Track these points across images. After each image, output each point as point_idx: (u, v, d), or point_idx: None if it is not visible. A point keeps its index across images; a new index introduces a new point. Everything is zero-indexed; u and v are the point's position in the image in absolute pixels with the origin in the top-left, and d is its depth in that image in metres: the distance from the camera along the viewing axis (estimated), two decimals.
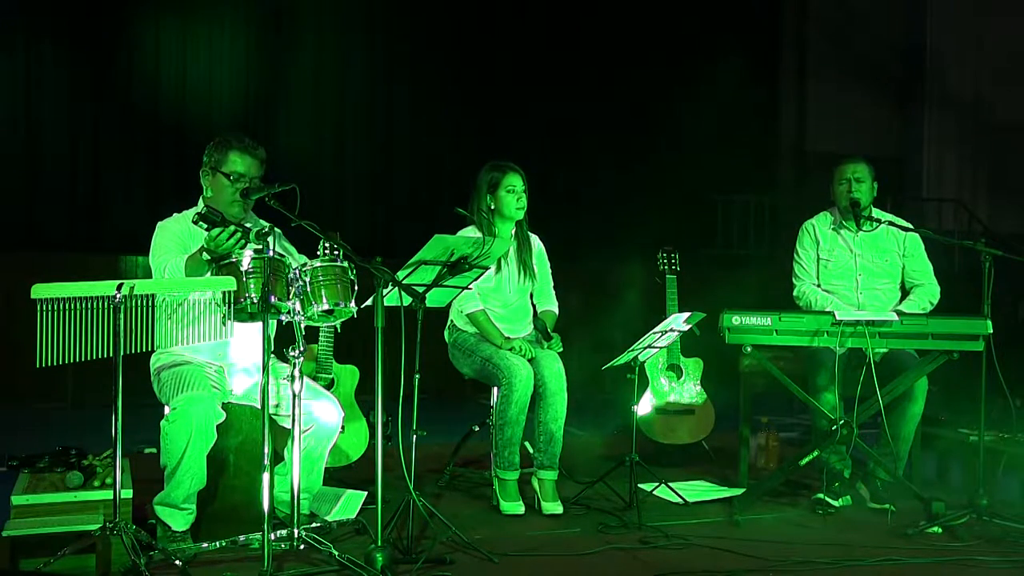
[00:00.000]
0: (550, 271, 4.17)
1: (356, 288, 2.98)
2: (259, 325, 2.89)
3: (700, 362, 4.79)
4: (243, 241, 2.86)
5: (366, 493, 3.52)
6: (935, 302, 4.12)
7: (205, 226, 2.88)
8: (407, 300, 2.97)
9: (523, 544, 3.30)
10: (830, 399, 3.80)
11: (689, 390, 4.73)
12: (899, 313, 3.77)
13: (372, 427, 3.97)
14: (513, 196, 3.89)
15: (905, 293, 4.20)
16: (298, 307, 2.90)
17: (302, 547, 2.95)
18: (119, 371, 2.71)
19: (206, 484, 3.13)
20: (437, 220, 3.67)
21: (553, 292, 4.17)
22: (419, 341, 3.03)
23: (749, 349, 3.68)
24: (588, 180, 9.41)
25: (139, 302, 2.72)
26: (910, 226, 4.08)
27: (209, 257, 2.88)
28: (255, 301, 2.77)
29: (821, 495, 3.85)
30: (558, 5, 9.40)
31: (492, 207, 3.91)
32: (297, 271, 2.91)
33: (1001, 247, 3.76)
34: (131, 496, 2.99)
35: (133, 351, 2.72)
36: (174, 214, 3.35)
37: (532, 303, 4.10)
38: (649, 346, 3.78)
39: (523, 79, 9.17)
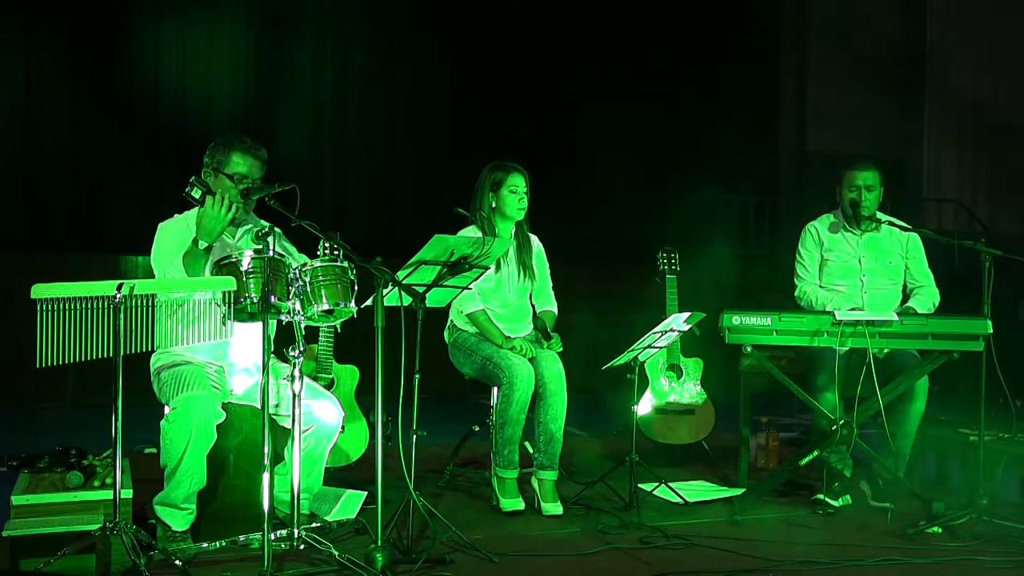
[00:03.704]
0: (549, 271, 4.17)
1: (356, 288, 2.99)
2: (259, 325, 2.89)
3: (700, 362, 4.79)
4: (237, 208, 2.94)
5: (366, 493, 3.52)
6: (936, 305, 4.13)
7: (197, 196, 2.92)
8: (407, 300, 2.97)
9: (523, 544, 3.30)
10: (831, 399, 3.81)
11: (689, 390, 4.73)
12: (899, 313, 3.77)
13: (372, 427, 3.97)
14: (515, 197, 3.89)
15: (906, 295, 4.21)
16: (298, 307, 2.90)
17: (302, 547, 2.96)
18: (119, 371, 2.71)
19: (206, 484, 3.13)
20: (437, 220, 3.67)
21: (552, 292, 4.17)
22: (419, 341, 3.03)
23: (749, 349, 3.68)
24: (588, 180, 9.41)
25: (139, 302, 2.72)
26: (909, 227, 4.09)
27: (205, 243, 2.89)
28: (255, 301, 2.78)
29: (821, 495, 3.85)
30: (558, 5, 9.39)
31: (493, 206, 3.91)
32: (297, 271, 2.91)
33: (1001, 247, 3.76)
34: (131, 496, 2.99)
35: (133, 351, 2.72)
36: (175, 215, 3.35)
37: (531, 303, 4.10)
38: (649, 346, 3.78)
39: (523, 79, 9.16)
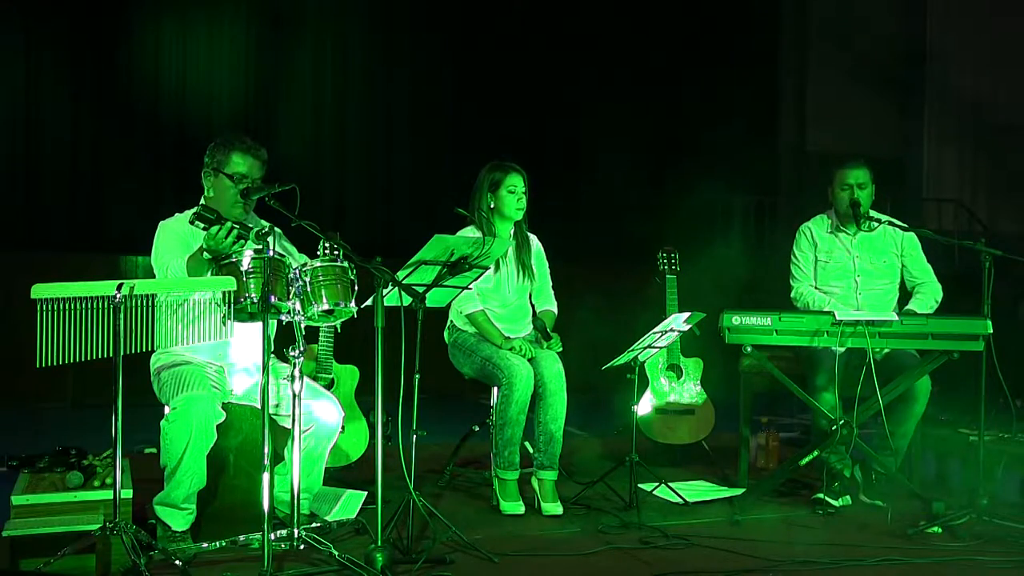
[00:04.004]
0: (548, 271, 4.17)
1: (356, 288, 2.99)
2: (259, 325, 2.89)
3: (700, 362, 4.79)
4: (243, 239, 2.87)
5: (366, 493, 3.52)
6: (939, 299, 4.14)
7: (202, 225, 2.89)
8: (407, 300, 2.97)
9: (523, 544, 3.30)
10: (829, 399, 3.81)
11: (689, 390, 4.73)
12: (899, 313, 3.78)
13: (372, 427, 3.97)
14: (514, 197, 3.89)
15: (905, 293, 4.22)
16: (298, 307, 2.90)
17: (302, 547, 2.96)
18: (119, 371, 2.71)
19: (206, 484, 3.13)
20: (437, 220, 3.68)
21: (552, 292, 4.17)
22: (419, 341, 3.03)
23: (749, 349, 3.68)
24: (588, 180, 9.41)
25: (139, 302, 2.72)
26: (908, 227, 4.09)
27: (210, 256, 2.88)
28: (255, 301, 2.78)
29: (821, 495, 3.85)
30: (558, 5, 9.40)
31: (492, 206, 3.91)
32: (297, 271, 2.91)
33: (1001, 247, 3.76)
34: (131, 496, 2.99)
35: (133, 351, 2.72)
36: (176, 214, 3.35)
37: (531, 303, 4.10)
38: (649, 346, 3.78)
39: (523, 79, 9.17)
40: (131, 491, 2.99)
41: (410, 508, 3.08)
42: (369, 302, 2.92)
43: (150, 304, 2.74)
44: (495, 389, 3.82)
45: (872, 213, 4.09)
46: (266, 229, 2.87)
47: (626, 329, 4.10)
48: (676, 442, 4.71)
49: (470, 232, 3.87)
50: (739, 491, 4.07)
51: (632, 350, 3.77)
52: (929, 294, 4.14)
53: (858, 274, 4.15)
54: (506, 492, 3.75)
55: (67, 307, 2.64)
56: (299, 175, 3.21)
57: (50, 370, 2.67)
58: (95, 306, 2.67)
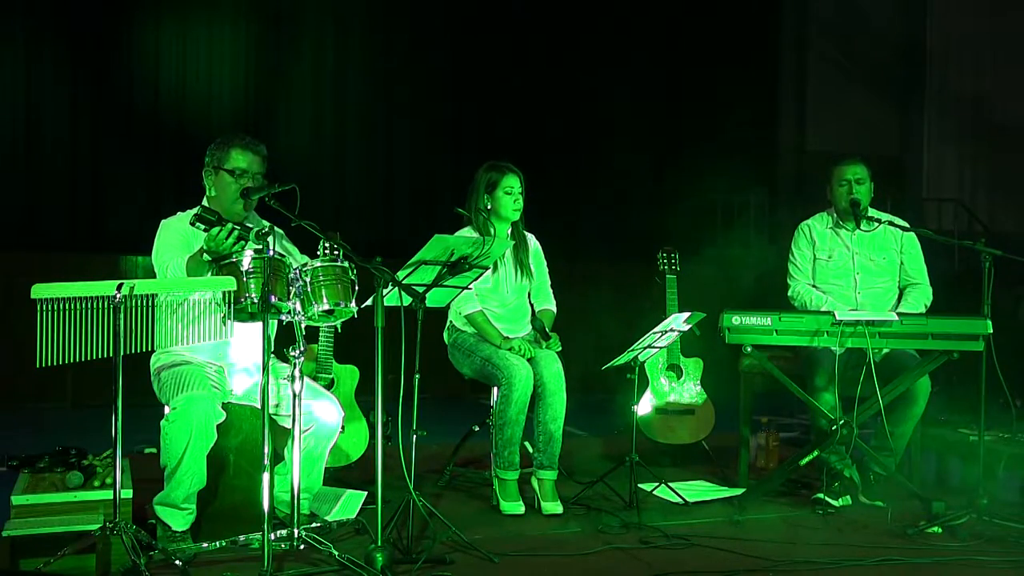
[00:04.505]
0: (547, 269, 4.17)
1: (356, 288, 2.99)
2: (259, 325, 2.89)
3: (700, 362, 4.79)
4: (243, 240, 2.86)
5: (366, 493, 3.52)
6: (928, 305, 4.14)
7: (203, 227, 2.88)
8: (407, 300, 2.97)
9: (523, 544, 3.30)
10: (829, 399, 3.81)
11: (689, 390, 4.73)
12: (899, 313, 3.78)
13: (372, 427, 3.98)
14: (511, 198, 3.89)
15: (901, 292, 4.22)
16: (298, 307, 2.90)
17: (302, 547, 2.96)
18: (119, 371, 2.71)
19: (206, 484, 3.13)
20: (437, 220, 3.68)
21: (551, 291, 4.17)
22: (419, 341, 3.03)
23: (749, 349, 3.68)
24: (588, 180, 9.42)
25: (139, 302, 2.72)
26: (908, 227, 4.09)
27: (210, 257, 2.88)
28: (255, 301, 2.78)
29: (821, 495, 3.86)
30: (557, 6, 9.40)
31: (489, 207, 3.91)
32: (297, 271, 2.91)
33: (1001, 247, 3.76)
34: (131, 496, 2.99)
35: (133, 351, 2.73)
36: (178, 212, 3.35)
37: (530, 302, 4.10)
38: (649, 346, 3.78)
39: (523, 79, 9.16)
40: (131, 491, 2.99)
41: (410, 508, 3.08)
42: (369, 302, 2.92)
43: (150, 304, 2.74)
44: (495, 389, 3.82)
45: (872, 212, 4.09)
46: (266, 229, 2.87)
47: (627, 328, 4.10)
48: (676, 442, 4.71)
49: (467, 232, 3.87)
50: (739, 491, 4.07)
51: (632, 350, 3.77)
52: (919, 298, 4.15)
53: (857, 271, 4.16)
54: (506, 492, 3.75)
55: (67, 307, 2.64)
56: (299, 175, 3.22)
57: (50, 370, 2.67)
58: (95, 306, 2.67)
